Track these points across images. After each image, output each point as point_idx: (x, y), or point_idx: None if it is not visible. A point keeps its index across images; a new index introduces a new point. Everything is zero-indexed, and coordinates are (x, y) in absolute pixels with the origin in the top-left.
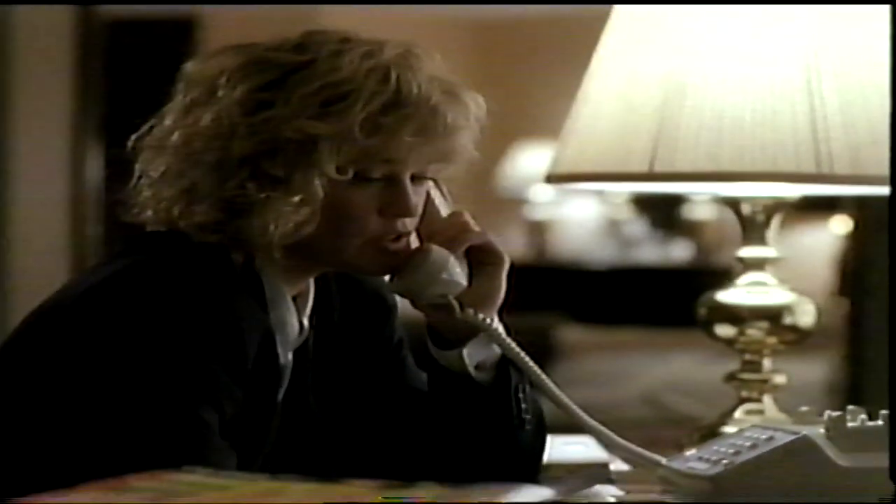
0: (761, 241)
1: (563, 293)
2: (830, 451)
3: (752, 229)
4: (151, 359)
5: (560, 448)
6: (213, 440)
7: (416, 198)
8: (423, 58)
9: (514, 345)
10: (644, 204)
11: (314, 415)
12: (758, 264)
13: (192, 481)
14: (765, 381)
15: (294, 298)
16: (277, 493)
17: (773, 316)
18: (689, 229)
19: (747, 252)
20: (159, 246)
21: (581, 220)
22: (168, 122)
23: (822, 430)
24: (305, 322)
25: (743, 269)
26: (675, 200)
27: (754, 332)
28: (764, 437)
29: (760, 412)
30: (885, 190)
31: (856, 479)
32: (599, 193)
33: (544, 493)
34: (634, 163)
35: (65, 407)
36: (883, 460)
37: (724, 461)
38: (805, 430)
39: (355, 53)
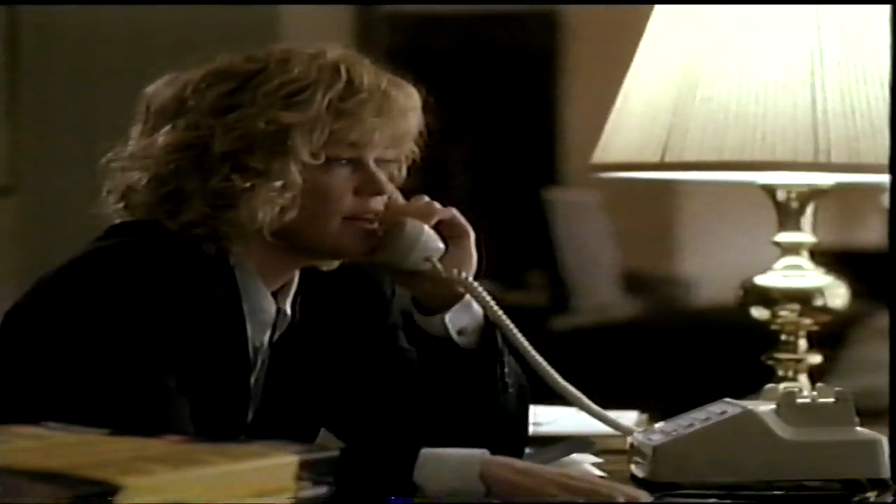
0: (797, 226)
1: None
2: (775, 426)
3: (788, 215)
4: (109, 328)
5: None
6: (172, 400)
7: (384, 178)
8: (361, 58)
9: (495, 305)
10: None
11: (302, 390)
12: (794, 248)
13: (16, 432)
14: (799, 361)
15: (275, 291)
16: (81, 444)
17: (804, 298)
18: None
19: (783, 237)
20: (133, 232)
21: None
22: (136, 139)
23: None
24: (287, 309)
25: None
26: None
27: (786, 313)
28: (718, 411)
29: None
30: (881, 178)
31: (798, 451)
32: None
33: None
34: (649, 153)
35: (38, 372)
36: (827, 434)
37: (675, 432)
38: (758, 405)
39: (301, 57)
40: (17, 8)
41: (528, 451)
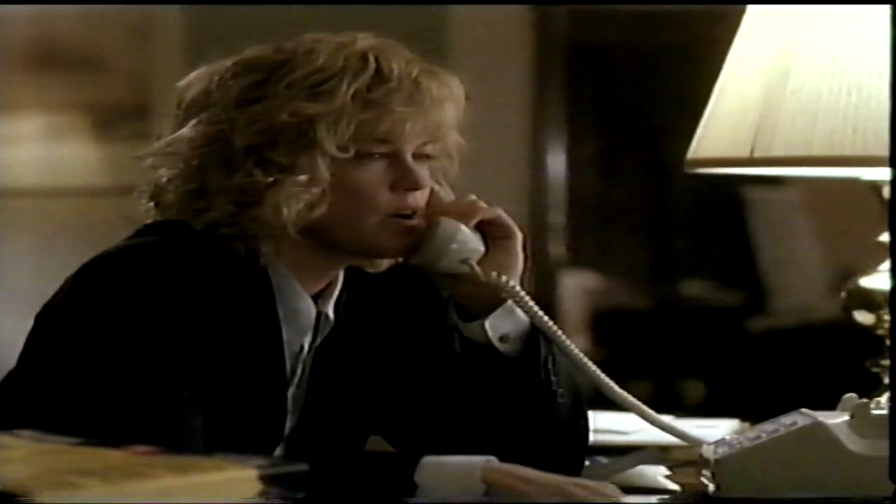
0: None
1: None
2: (846, 438)
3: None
4: (122, 332)
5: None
6: (184, 409)
7: (421, 172)
8: (394, 46)
9: (539, 311)
10: None
11: (348, 396)
12: None
13: None
14: None
15: (316, 294)
16: (34, 454)
17: None
18: None
19: (889, 237)
20: (158, 232)
21: None
22: (168, 135)
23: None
24: (330, 312)
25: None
26: None
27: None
28: (789, 422)
29: None
30: None
31: (869, 465)
32: None
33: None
34: (739, 148)
35: (53, 374)
36: None
37: (740, 444)
38: (831, 417)
39: (328, 46)
40: (187, 8)
41: (604, 461)
